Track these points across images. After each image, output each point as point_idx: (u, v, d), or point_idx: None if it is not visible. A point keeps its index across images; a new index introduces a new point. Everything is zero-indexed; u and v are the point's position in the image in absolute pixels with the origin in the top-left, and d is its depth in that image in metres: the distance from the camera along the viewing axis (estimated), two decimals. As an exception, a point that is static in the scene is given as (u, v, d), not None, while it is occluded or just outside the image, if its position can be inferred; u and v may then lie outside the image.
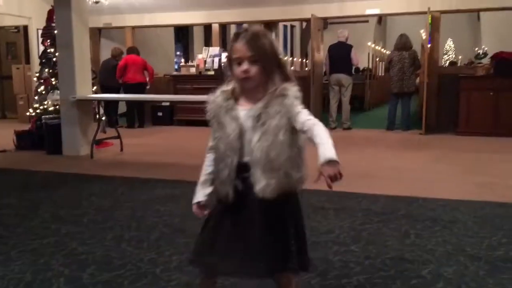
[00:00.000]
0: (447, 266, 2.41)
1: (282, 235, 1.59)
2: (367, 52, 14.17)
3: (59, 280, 2.27)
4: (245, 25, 1.66)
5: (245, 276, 1.74)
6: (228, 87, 1.62)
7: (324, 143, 1.53)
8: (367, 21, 17.06)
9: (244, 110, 1.57)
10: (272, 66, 1.55)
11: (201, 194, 1.68)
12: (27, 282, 2.25)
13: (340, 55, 8.15)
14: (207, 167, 1.67)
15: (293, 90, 1.55)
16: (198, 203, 1.68)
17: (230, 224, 1.61)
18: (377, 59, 15.38)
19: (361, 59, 10.05)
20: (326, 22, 12.94)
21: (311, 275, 2.29)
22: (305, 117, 1.52)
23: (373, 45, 15.15)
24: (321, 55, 8.70)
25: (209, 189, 1.67)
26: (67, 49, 5.74)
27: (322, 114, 8.77)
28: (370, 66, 13.92)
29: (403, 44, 7.95)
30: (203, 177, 1.68)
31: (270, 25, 17.20)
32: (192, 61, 10.42)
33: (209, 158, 1.66)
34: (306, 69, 16.22)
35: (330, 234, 2.91)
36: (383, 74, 15.06)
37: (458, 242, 2.75)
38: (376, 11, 8.71)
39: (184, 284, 2.21)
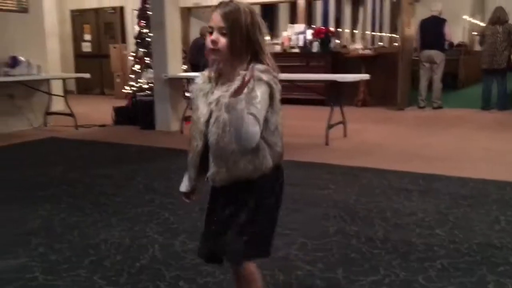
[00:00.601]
0: (540, 255, 2.30)
1: (233, 223, 1.52)
2: (462, 25, 13.29)
3: (154, 246, 2.48)
4: None
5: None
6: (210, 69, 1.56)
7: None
8: (464, -8, 15.94)
9: (218, 92, 1.49)
10: (243, 44, 1.44)
11: (183, 185, 1.66)
12: (126, 246, 2.49)
13: (433, 30, 7.75)
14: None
15: (257, 77, 1.39)
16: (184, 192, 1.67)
17: (210, 209, 1.63)
18: (474, 33, 14.37)
19: (455, 34, 9.48)
20: (418, -5, 12.28)
21: (392, 256, 2.30)
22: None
23: (469, 19, 14.16)
24: (412, 30, 8.32)
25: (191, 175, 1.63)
26: (160, 30, 6.03)
27: (411, 92, 8.45)
28: (465, 41, 13.05)
29: (497, 17, 7.44)
30: (188, 160, 1.61)
31: (357, 0, 16.67)
32: (277, 39, 10.45)
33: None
34: (395, 44, 15.59)
35: (413, 216, 2.87)
36: (479, 50, 14.09)
37: (554, 231, 2.59)
38: (474, -19, 8.11)
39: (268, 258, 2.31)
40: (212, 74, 1.53)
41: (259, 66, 1.42)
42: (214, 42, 1.44)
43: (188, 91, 6.67)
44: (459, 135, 5.65)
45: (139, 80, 6.99)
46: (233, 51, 1.44)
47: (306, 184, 3.56)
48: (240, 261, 1.56)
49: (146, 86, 6.79)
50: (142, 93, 6.59)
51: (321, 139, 5.14)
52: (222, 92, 1.45)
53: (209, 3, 10.20)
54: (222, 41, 1.43)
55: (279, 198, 1.60)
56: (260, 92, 1.40)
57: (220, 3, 1.47)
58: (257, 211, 1.52)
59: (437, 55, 7.82)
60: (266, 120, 1.44)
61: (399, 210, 2.97)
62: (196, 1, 10.20)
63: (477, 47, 14.25)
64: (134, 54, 7.42)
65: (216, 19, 1.44)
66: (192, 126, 1.55)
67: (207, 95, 1.51)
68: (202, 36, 9.21)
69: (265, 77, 1.41)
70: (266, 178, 1.50)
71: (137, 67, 7.20)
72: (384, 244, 2.45)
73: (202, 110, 1.50)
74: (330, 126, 5.17)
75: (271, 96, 1.45)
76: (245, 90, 1.34)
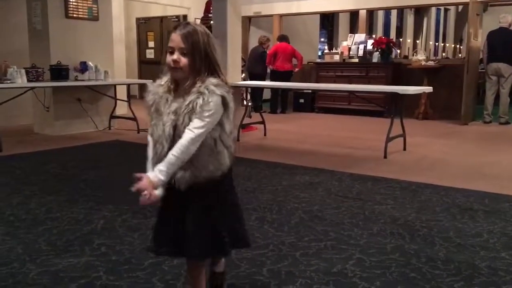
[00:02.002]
0: None
1: (196, 221, 1.68)
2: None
3: (209, 252, 2.51)
4: (187, 21, 1.64)
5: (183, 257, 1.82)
6: (165, 78, 1.70)
7: (169, 156, 1.59)
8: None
9: (176, 103, 1.64)
10: (202, 62, 1.61)
11: (159, 190, 1.66)
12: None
13: (501, 42, 7.42)
14: (149, 152, 1.72)
15: (211, 91, 1.58)
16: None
17: (168, 210, 1.73)
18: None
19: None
20: (486, 4, 11.81)
21: (454, 279, 2.20)
22: (191, 125, 1.58)
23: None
24: (479, 41, 8.00)
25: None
26: (222, 38, 6.15)
27: (476, 106, 8.11)
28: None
29: None
30: (148, 163, 1.71)
31: (421, 9, 16.20)
32: (336, 48, 10.38)
33: (150, 143, 1.72)
34: (460, 56, 15.04)
35: (478, 237, 2.74)
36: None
37: None
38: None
39: (323, 271, 2.29)
40: (171, 85, 1.68)
41: (213, 80, 1.61)
42: (175, 61, 1.60)
43: (246, 99, 6.75)
44: (528, 153, 5.35)
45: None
46: (193, 69, 1.61)
47: (364, 199, 3.50)
48: (202, 258, 1.77)
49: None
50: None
51: (379, 152, 5.03)
52: (179, 104, 1.62)
53: (270, 12, 10.32)
54: (184, 60, 1.60)
55: (236, 195, 1.85)
56: (213, 104, 1.59)
57: (179, 25, 1.63)
58: (220, 208, 1.72)
59: (505, 69, 7.48)
60: (222, 125, 1.64)
61: (462, 230, 2.85)
62: (256, 11, 10.33)
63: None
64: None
65: (177, 40, 1.59)
66: (153, 131, 1.66)
67: (166, 104, 1.65)
68: (261, 44, 9.32)
69: (218, 90, 1.60)
70: (225, 176, 1.71)
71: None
72: (446, 265, 2.36)
73: (166, 117, 1.63)
74: (389, 139, 5.05)
75: (226, 106, 1.62)
76: (201, 102, 1.57)
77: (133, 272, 2.28)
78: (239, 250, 2.53)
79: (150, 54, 11.77)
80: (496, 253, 2.51)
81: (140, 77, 11.36)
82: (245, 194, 3.60)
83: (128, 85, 7.50)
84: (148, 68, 11.60)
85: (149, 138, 1.72)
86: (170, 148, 1.61)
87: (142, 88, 11.57)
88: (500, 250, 2.56)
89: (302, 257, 2.44)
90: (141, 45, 11.89)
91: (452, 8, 16.87)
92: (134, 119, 6.63)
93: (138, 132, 6.54)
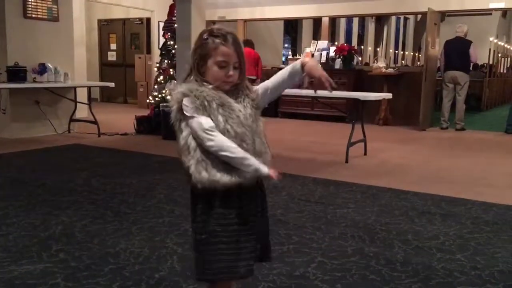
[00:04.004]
0: None
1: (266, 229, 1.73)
2: (488, 47, 13.17)
3: (172, 257, 2.49)
4: (217, 26, 1.63)
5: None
6: (194, 79, 1.55)
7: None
8: (490, 14, 15.83)
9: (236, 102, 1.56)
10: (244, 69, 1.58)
11: (263, 167, 1.52)
12: (145, 256, 2.50)
13: (457, 51, 7.71)
14: (235, 146, 1.49)
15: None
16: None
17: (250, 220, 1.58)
18: (499, 55, 14.22)
19: (480, 55, 9.41)
20: (443, 14, 12.24)
21: (412, 280, 2.27)
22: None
23: (495, 40, 14.03)
24: (436, 50, 8.29)
25: None
26: (186, 42, 6.12)
27: (433, 113, 8.38)
28: (491, 63, 12.92)
29: None
30: (242, 152, 1.48)
31: (382, 18, 16.63)
32: (300, 54, 10.51)
33: (228, 141, 1.48)
34: (418, 63, 15.49)
35: (435, 240, 2.83)
36: (505, 72, 13.92)
37: None
38: (501, 5, 8.06)
39: (285, 275, 2.31)
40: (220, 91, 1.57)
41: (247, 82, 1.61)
42: (230, 76, 1.53)
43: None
44: (482, 159, 5.57)
45: (162, 90, 7.09)
46: (243, 78, 1.57)
47: (326, 202, 3.55)
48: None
49: (169, 97, 6.88)
50: (164, 104, 6.67)
51: (341, 156, 5.12)
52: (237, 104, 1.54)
53: (234, 17, 10.35)
54: (236, 75, 1.54)
55: None
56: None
57: (227, 36, 1.52)
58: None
59: (462, 76, 7.77)
60: None
61: (420, 233, 2.93)
62: (221, 15, 10.34)
63: (504, 69, 14.13)
64: (158, 65, 7.54)
65: (230, 53, 1.52)
66: (234, 126, 1.49)
67: (226, 99, 1.52)
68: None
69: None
70: None
71: (161, 78, 7.30)
72: (404, 267, 2.42)
73: (238, 108, 1.52)
74: (351, 144, 5.15)
75: None
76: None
77: (92, 278, 2.23)
78: (202, 255, 2.52)
79: (112, 56, 11.58)
80: (452, 255, 2.60)
81: (101, 80, 11.15)
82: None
83: (89, 88, 7.34)
84: (110, 70, 11.40)
85: (221, 138, 1.46)
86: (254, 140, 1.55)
87: (103, 90, 11.38)
88: (455, 252, 2.65)
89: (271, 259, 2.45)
90: (103, 47, 11.68)
91: (411, 17, 17.39)
92: (95, 122, 6.49)
93: (99, 136, 6.41)
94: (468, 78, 7.86)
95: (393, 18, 16.79)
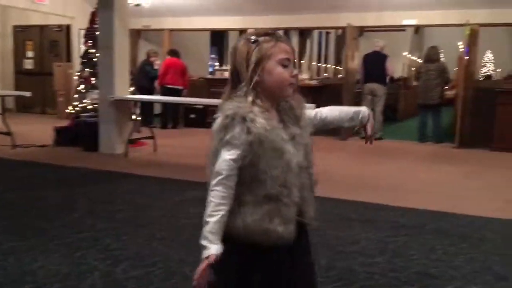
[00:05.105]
0: (472, 284, 2.42)
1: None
2: (402, 61, 14.04)
3: (93, 274, 2.38)
4: (251, 29, 1.38)
5: None
6: (246, 98, 1.29)
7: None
8: (404, 30, 16.88)
9: (282, 127, 1.34)
10: None
11: (219, 242, 1.27)
12: (64, 274, 2.38)
13: (375, 64, 8.14)
14: (226, 201, 1.27)
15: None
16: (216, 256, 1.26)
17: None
18: (413, 69, 15.22)
19: (395, 69, 10.01)
20: (361, 29, 12.90)
21: (336, 285, 2.34)
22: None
23: (409, 55, 14.99)
24: (355, 63, 8.69)
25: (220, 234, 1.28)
26: (108, 50, 5.94)
27: (353, 123, 8.74)
28: (405, 76, 13.77)
29: (429, 56, 8.08)
30: (219, 215, 1.27)
31: (305, 31, 17.21)
32: (226, 65, 10.57)
33: (228, 191, 1.27)
34: (339, 76, 16.15)
35: (356, 245, 2.94)
36: (417, 84, 14.88)
37: (485, 260, 2.74)
38: (413, 21, 8.64)
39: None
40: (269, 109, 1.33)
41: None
42: (296, 76, 1.35)
43: (135, 113, 6.56)
44: (398, 166, 5.89)
45: (83, 100, 6.81)
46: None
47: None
48: None
49: (90, 106, 6.63)
50: (86, 114, 6.42)
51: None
52: (288, 128, 1.34)
53: (160, 26, 10.21)
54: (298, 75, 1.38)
55: None
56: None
57: (276, 33, 1.34)
58: None
59: (379, 88, 8.20)
60: None
61: (342, 238, 3.04)
62: (146, 24, 10.16)
63: (415, 82, 15.12)
64: (79, 74, 7.25)
65: (290, 50, 1.33)
66: (280, 175, 1.28)
67: (277, 130, 1.30)
68: (149, 58, 9.14)
69: None
70: None
71: (82, 87, 7.02)
72: (328, 272, 2.49)
73: (288, 150, 1.29)
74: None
75: None
76: (306, 112, 1.44)
77: (5, 300, 2.08)
78: (125, 268, 2.44)
79: (29, 64, 10.95)
80: (372, 259, 2.72)
81: (16, 89, 10.48)
82: (134, 212, 3.49)
83: (2, 97, 6.89)
84: (26, 79, 10.76)
85: (228, 185, 1.26)
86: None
87: (19, 100, 10.71)
88: (376, 255, 2.77)
89: (192, 273, 2.41)
90: (18, 55, 11.02)
91: (333, 32, 18.13)
92: (8, 133, 6.09)
93: (14, 148, 6.02)
94: (385, 90, 8.32)
95: (316, 32, 17.39)
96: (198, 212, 3.63)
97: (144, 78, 8.89)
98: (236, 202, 1.28)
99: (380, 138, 8.25)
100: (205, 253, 1.25)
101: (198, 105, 9.07)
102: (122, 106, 6.13)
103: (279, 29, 10.17)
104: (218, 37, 14.13)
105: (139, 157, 5.89)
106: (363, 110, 1.52)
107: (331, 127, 1.55)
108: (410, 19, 8.48)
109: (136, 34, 10.56)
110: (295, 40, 17.68)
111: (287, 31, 16.23)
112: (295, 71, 1.33)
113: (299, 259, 1.38)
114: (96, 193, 4.01)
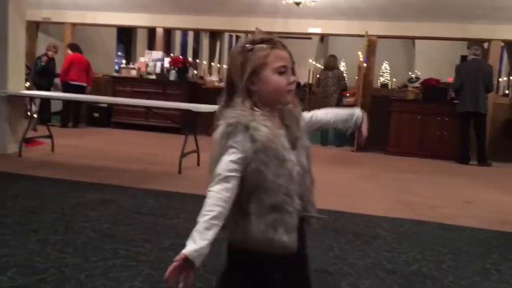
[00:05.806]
0: (365, 279, 2.56)
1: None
2: (308, 68, 14.61)
3: (-20, 284, 2.18)
4: (250, 35, 1.47)
5: None
6: (243, 104, 1.29)
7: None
8: (310, 38, 17.60)
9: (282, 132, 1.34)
10: None
11: (204, 249, 1.21)
12: None
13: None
14: (221, 203, 1.24)
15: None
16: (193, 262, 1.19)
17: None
18: (317, 76, 15.90)
19: (302, 75, 10.40)
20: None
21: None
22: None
23: (314, 62, 15.63)
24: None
25: (209, 240, 1.22)
26: (1, 42, 5.50)
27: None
28: (310, 82, 14.34)
29: (328, 64, 8.63)
30: (210, 215, 1.24)
31: (216, 34, 17.25)
32: (133, 63, 10.27)
33: (226, 192, 1.25)
34: (249, 80, 16.41)
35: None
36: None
37: (377, 256, 2.92)
38: (318, 30, 9.04)
39: (109, 291, 2.20)
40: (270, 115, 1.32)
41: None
42: (293, 83, 1.35)
43: (30, 111, 6.14)
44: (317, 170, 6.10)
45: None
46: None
47: (157, 214, 3.50)
48: None
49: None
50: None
51: (174, 167, 5.12)
52: (295, 130, 1.38)
53: (61, 20, 9.66)
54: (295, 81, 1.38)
55: None
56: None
57: (273, 39, 1.33)
58: None
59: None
60: None
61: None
62: (46, 16, 9.56)
63: (317, 89, 15.81)
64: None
65: (287, 56, 1.33)
66: (284, 184, 1.29)
67: (280, 138, 1.31)
68: (47, 53, 8.63)
69: None
70: None
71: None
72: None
73: (292, 159, 1.31)
74: (183, 155, 5.18)
75: None
76: (301, 114, 1.45)
77: None
78: (13, 276, 2.27)
79: None
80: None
81: None
82: (25, 215, 3.25)
83: None
84: None
85: (225, 190, 1.24)
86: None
87: None
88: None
89: (87, 279, 2.31)
90: None
91: (242, 35, 18.42)
92: None
93: None
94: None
95: (226, 35, 17.52)
96: (97, 215, 3.51)
97: (41, 72, 8.39)
98: (240, 214, 1.28)
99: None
100: (182, 251, 1.20)
101: (102, 103, 8.71)
102: (16, 102, 5.71)
103: (188, 29, 10.18)
104: (125, 34, 13.70)
105: (34, 157, 5.51)
106: (358, 112, 1.57)
107: (321, 130, 1.65)
108: (315, 28, 8.86)
109: (35, 27, 9.91)
110: (205, 42, 17.67)
111: (197, 32, 16.19)
112: (292, 78, 1.33)
113: (298, 269, 1.44)
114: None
